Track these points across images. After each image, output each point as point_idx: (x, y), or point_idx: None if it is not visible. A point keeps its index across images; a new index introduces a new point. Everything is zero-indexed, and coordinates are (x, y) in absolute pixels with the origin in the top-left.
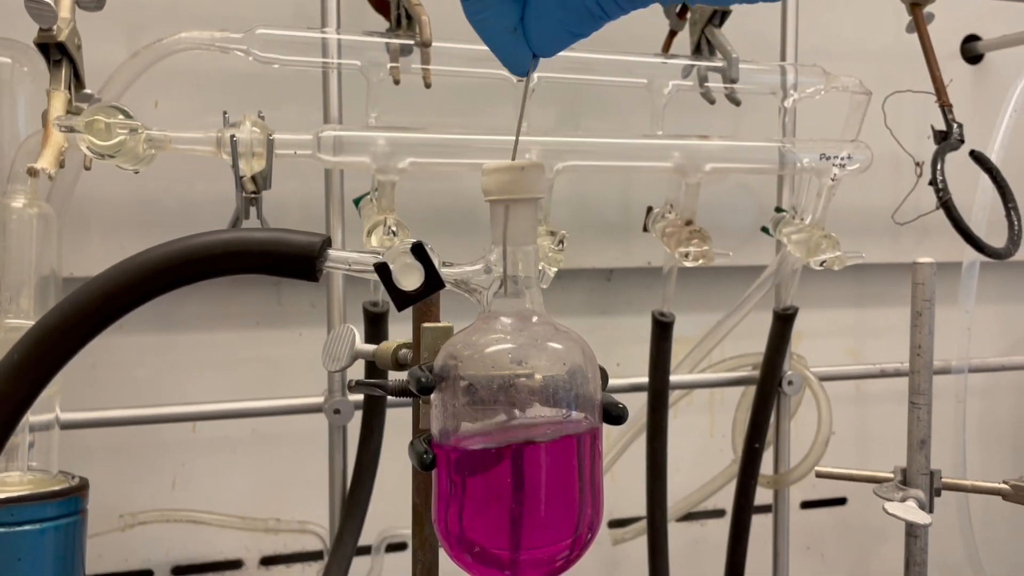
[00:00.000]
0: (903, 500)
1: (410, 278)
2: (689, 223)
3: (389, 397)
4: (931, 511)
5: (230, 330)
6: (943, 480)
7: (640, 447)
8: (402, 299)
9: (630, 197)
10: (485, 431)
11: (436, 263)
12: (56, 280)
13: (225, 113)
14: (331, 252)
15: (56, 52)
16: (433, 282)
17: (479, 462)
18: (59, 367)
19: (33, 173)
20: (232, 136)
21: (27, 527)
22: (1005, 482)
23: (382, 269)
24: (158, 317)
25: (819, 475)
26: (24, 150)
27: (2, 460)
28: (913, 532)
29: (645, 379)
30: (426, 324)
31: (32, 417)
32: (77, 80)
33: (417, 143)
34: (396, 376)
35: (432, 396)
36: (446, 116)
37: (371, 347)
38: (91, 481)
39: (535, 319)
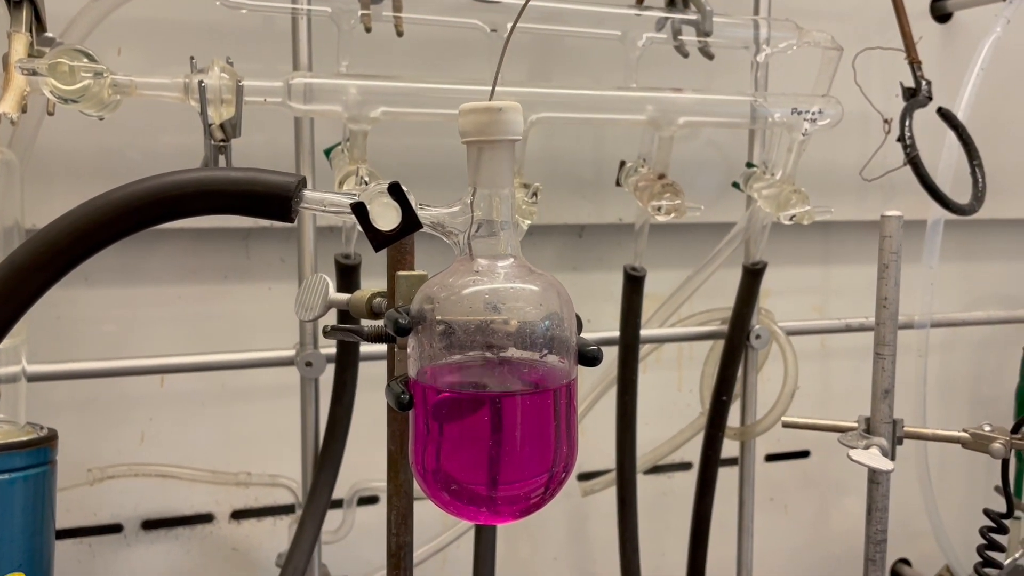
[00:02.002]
0: (867, 448)
1: (387, 218)
2: (662, 177)
3: (362, 351)
4: (893, 459)
5: (198, 284)
6: (905, 429)
7: (609, 402)
8: (379, 239)
9: (602, 153)
10: (460, 374)
11: (413, 204)
12: (20, 232)
13: (192, 59)
14: (306, 192)
15: None
16: (410, 222)
17: (456, 403)
18: (28, 306)
19: None
20: (200, 82)
21: None
22: (964, 430)
23: (359, 209)
24: (124, 270)
25: (786, 425)
26: None
27: None
28: (875, 479)
29: (615, 334)
30: (401, 272)
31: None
32: (39, 23)
33: (390, 91)
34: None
35: (409, 339)
36: (418, 69)
37: (345, 296)
38: (58, 436)
39: (511, 261)
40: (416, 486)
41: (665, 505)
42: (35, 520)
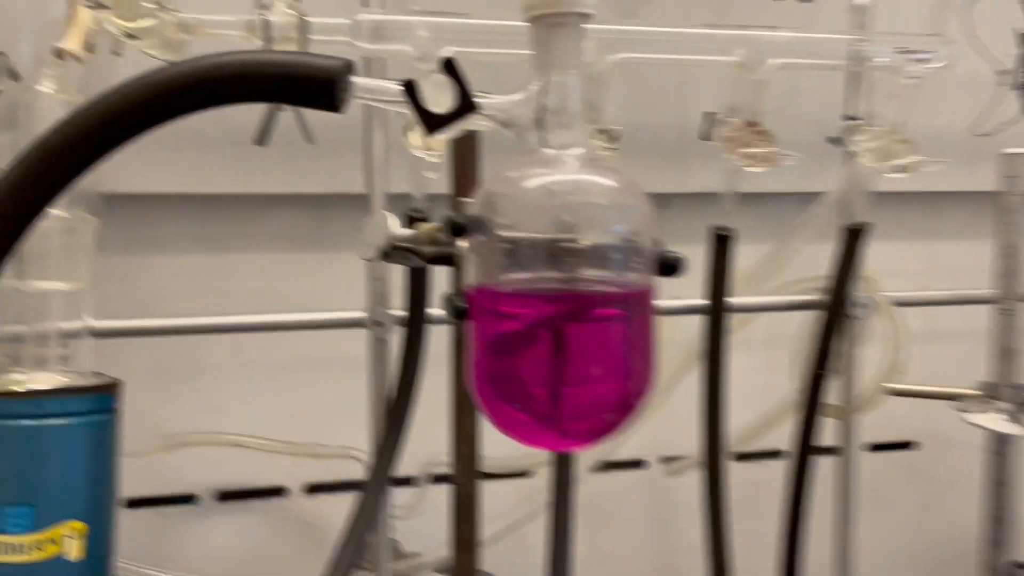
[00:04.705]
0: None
1: (441, 99)
2: (753, 124)
3: (432, 314)
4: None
5: (271, 252)
6: None
7: (693, 383)
8: (433, 122)
9: (686, 120)
10: (526, 279)
11: (468, 85)
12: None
13: None
14: (354, 79)
15: None
16: (466, 101)
17: (519, 308)
18: (56, 192)
19: (60, 54)
20: (264, 17)
21: (55, 421)
22: None
23: (410, 88)
24: (202, 238)
25: (890, 392)
26: (54, 33)
27: (34, 365)
28: (998, 449)
29: (701, 302)
30: (465, 199)
31: (64, 324)
32: None
33: (466, 30)
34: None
35: (469, 246)
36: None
37: (408, 231)
38: (132, 402)
39: (581, 152)
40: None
41: (755, 496)
42: (96, 469)
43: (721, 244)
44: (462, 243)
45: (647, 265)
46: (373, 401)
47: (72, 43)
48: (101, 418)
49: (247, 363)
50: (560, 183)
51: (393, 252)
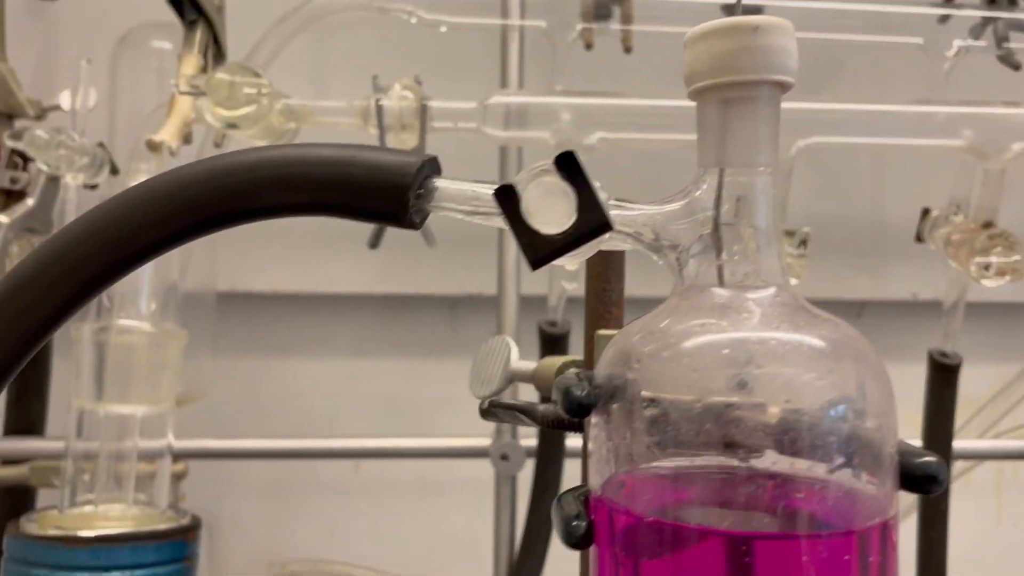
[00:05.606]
0: None
1: (552, 211)
2: (988, 225)
3: (568, 445)
4: None
5: (399, 359)
6: None
7: (906, 536)
8: (538, 247)
9: (883, 214)
10: (681, 492)
11: (597, 191)
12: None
13: (375, 78)
14: (438, 182)
15: (191, 10)
16: (591, 215)
17: (672, 545)
18: (33, 345)
19: (153, 147)
20: (378, 101)
21: (116, 574)
22: None
23: (504, 196)
24: (321, 340)
25: None
26: (150, 123)
27: (110, 487)
28: None
29: (916, 442)
30: (602, 331)
31: (144, 443)
32: (217, 48)
33: (612, 112)
34: None
35: (593, 426)
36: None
37: (530, 365)
38: (239, 520)
39: (772, 294)
40: None
41: None
42: None
43: (943, 375)
44: (588, 422)
45: (883, 472)
46: (498, 543)
47: (167, 134)
48: (172, 568)
49: (367, 482)
50: (738, 343)
51: (491, 409)
